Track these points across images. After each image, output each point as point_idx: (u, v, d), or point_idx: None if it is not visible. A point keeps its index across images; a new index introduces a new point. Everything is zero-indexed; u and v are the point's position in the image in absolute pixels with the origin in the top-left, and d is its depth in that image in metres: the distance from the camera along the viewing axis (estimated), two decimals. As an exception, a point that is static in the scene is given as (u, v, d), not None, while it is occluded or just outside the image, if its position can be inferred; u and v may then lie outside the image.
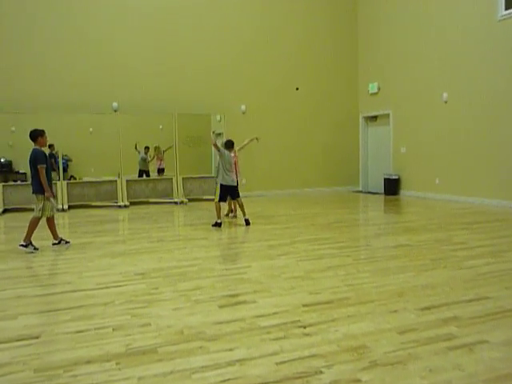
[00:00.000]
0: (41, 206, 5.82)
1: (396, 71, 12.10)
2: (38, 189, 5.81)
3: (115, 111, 11.19)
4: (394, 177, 12.08)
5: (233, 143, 7.82)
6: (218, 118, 12.14)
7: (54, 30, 10.73)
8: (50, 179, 5.91)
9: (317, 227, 7.26)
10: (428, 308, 3.44)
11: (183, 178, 11.53)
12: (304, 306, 3.55)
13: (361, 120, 13.51)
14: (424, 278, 4.24)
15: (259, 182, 12.41)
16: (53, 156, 10.32)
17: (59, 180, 10.48)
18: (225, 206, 8.41)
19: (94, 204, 10.82)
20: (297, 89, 12.76)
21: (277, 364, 2.60)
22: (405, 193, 11.95)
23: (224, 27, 12.07)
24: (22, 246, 5.76)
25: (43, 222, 5.97)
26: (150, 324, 3.25)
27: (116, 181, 11.00)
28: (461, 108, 10.22)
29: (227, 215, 8.57)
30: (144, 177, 11.71)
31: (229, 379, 2.45)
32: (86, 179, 11.01)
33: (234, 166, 7.71)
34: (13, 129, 10.50)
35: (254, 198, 11.84)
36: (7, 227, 8.16)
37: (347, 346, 2.81)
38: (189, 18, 11.76)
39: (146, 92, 11.38)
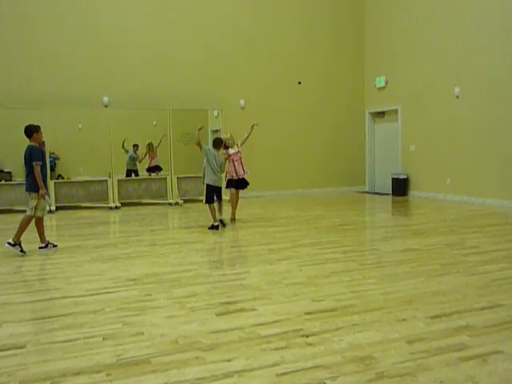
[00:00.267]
0: (34, 204, 5.87)
1: (405, 64, 12.11)
2: (32, 187, 5.89)
3: (106, 106, 11.19)
4: (402, 176, 12.09)
5: (221, 141, 7.88)
6: (215, 113, 12.14)
7: (37, 19, 10.72)
8: (45, 177, 6.04)
9: (320, 230, 7.27)
10: (438, 316, 3.45)
11: (178, 178, 11.54)
12: (306, 313, 3.55)
13: (367, 116, 13.53)
14: (434, 285, 4.24)
15: (259, 183, 12.40)
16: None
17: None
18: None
19: (83, 205, 10.82)
20: (299, 83, 12.78)
21: (278, 376, 2.60)
22: (414, 193, 11.96)
23: (222, 16, 12.08)
24: (9, 244, 5.80)
25: (31, 224, 5.99)
26: (142, 333, 3.25)
27: (106, 180, 11.00)
28: (474, 103, 10.23)
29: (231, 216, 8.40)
30: (133, 176, 11.70)
31: (227, 392, 2.46)
32: (74, 179, 11.00)
33: (224, 165, 7.79)
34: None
35: (254, 199, 11.85)
36: (-9, 230, 8.16)
37: (352, 356, 2.81)
38: (185, 8, 11.77)
39: (138, 86, 11.38)
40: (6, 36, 10.48)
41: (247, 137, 8.42)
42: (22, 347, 3.04)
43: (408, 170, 12.15)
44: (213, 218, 7.48)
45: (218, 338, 3.13)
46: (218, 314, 3.59)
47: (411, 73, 11.91)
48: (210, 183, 7.54)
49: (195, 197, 11.64)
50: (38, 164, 5.84)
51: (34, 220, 6.00)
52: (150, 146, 11.83)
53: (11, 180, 10.36)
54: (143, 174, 11.89)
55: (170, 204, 11.16)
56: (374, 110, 13.33)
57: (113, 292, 4.23)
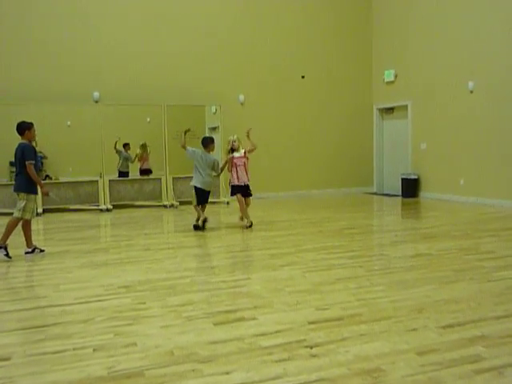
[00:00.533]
0: (22, 205, 5.88)
1: (415, 57, 12.12)
2: (22, 187, 5.92)
3: (96, 102, 11.20)
4: (412, 177, 12.10)
5: (211, 141, 7.96)
6: (213, 109, 12.16)
7: (23, 13, 10.74)
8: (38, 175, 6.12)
9: (325, 234, 7.27)
10: (451, 326, 3.45)
11: (173, 178, 11.54)
12: (310, 323, 3.56)
13: (375, 112, 13.54)
14: (447, 292, 4.24)
15: (260, 183, 12.38)
16: None
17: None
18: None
19: (72, 207, 10.82)
20: (302, 77, 12.79)
21: (280, 389, 2.61)
22: (425, 195, 11.97)
23: (219, 7, 12.09)
24: None
25: (18, 228, 6.00)
26: (135, 344, 3.25)
27: (97, 181, 11.00)
28: (489, 99, 10.24)
29: (246, 223, 8.03)
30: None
31: (225, 406, 2.46)
32: (63, 179, 11.00)
33: (219, 166, 7.90)
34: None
35: (255, 200, 11.78)
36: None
37: (359, 368, 2.81)
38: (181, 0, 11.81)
39: (131, 80, 11.37)
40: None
41: (252, 147, 7.97)
42: (7, 359, 3.04)
43: (419, 169, 12.15)
44: (196, 217, 7.75)
45: (216, 349, 3.13)
46: (216, 324, 3.59)
47: (422, 66, 11.92)
48: (198, 185, 7.72)
49: (192, 198, 11.59)
50: (32, 163, 5.87)
51: (20, 224, 6.00)
52: (144, 147, 11.78)
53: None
54: (135, 175, 11.84)
55: (165, 206, 11.17)
56: (382, 106, 13.34)
57: (104, 300, 4.23)
